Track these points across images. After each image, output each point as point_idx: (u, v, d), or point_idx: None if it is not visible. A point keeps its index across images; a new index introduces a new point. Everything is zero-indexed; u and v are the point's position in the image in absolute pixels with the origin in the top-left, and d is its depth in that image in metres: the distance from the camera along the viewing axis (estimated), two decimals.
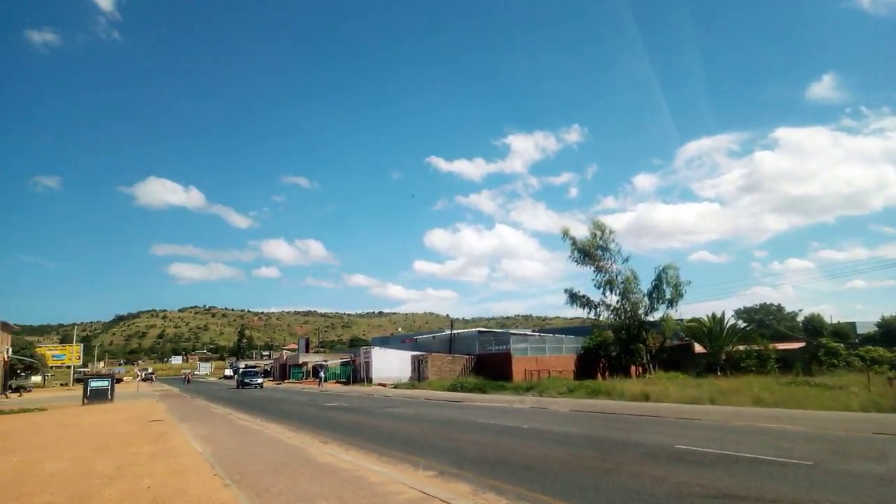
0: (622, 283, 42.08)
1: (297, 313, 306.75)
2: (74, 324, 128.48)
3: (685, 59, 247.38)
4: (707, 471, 8.53)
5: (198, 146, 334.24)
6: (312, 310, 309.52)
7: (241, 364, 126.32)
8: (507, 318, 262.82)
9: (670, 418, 16.54)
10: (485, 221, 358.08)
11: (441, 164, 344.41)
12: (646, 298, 42.32)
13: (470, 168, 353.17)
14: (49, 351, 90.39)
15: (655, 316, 42.41)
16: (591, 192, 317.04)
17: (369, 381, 55.33)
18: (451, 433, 14.21)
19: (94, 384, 34.82)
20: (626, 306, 42.53)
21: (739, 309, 75.75)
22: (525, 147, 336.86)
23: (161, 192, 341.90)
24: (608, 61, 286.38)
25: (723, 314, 44.53)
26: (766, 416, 16.14)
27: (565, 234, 43.91)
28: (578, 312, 45.32)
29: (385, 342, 79.04)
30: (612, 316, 43.37)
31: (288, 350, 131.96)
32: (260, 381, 57.57)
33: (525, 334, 59.36)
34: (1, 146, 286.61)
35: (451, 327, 63.58)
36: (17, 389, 60.42)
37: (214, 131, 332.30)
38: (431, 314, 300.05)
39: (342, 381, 62.62)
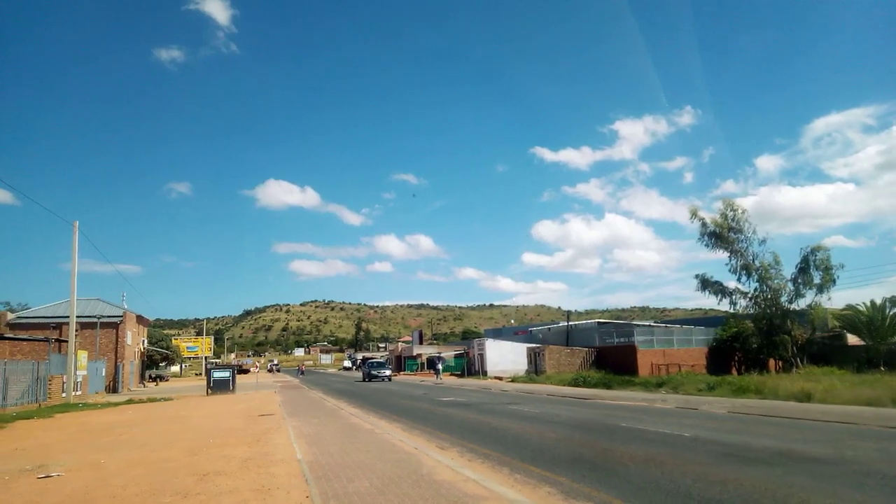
0: (760, 267, 37.37)
1: (410, 306, 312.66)
2: (207, 318, 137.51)
3: (809, 29, 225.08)
4: None
5: (312, 148, 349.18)
6: (425, 303, 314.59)
7: (359, 355, 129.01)
8: (622, 309, 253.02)
9: (873, 426, 12.99)
10: (594, 211, 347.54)
11: (546, 154, 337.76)
12: (789, 284, 37.29)
13: (576, 157, 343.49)
14: (184, 343, 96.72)
15: (801, 304, 37.28)
16: (708, 176, 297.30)
17: (484, 373, 53.58)
18: (594, 441, 11.66)
19: (217, 375, 35.38)
20: (767, 293, 37.72)
21: (894, 297, 66.71)
22: (634, 132, 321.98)
23: (280, 193, 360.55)
24: (723, 37, 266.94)
25: (884, 301, 38.85)
26: None
27: (693, 214, 39.62)
28: (709, 302, 41.47)
29: (498, 334, 77.09)
30: (749, 304, 38.75)
31: (403, 342, 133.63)
32: (388, 373, 52.50)
33: (649, 325, 55.22)
34: (138, 157, 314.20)
35: (568, 319, 60.40)
36: (155, 379, 64.54)
37: (327, 133, 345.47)
38: (543, 306, 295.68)
39: (456, 374, 61.57)
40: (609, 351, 46.02)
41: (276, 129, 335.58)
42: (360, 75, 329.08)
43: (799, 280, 36.99)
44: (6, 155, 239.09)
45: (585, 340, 52.72)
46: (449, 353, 71.38)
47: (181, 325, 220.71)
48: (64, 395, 29.11)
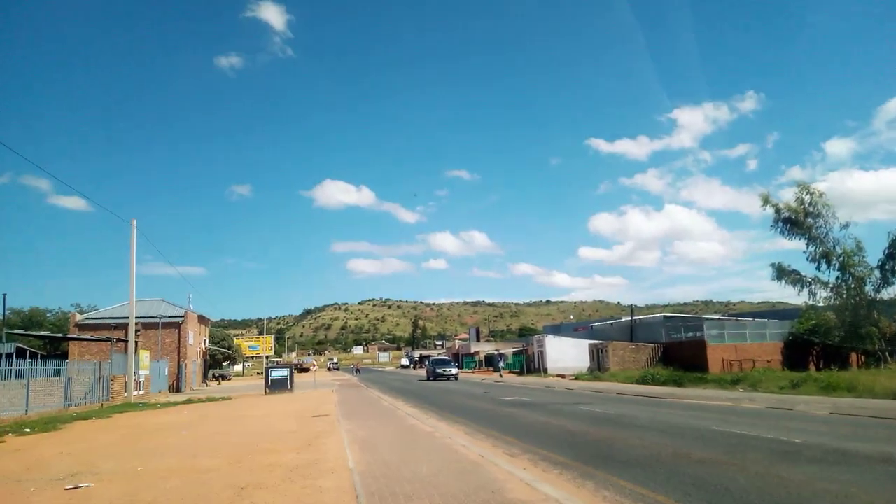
0: (841, 254, 34.34)
1: (466, 303, 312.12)
2: (268, 318, 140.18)
3: (880, 4, 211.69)
4: None
5: (366, 148, 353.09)
6: (481, 300, 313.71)
7: (416, 353, 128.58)
8: (685, 304, 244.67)
9: None
10: (653, 202, 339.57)
11: (602, 145, 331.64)
12: (876, 272, 34.13)
13: (633, 147, 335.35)
14: (246, 342, 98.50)
15: (889, 293, 34.06)
16: (773, 162, 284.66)
17: (544, 371, 51.91)
18: (689, 448, 10.05)
19: (275, 374, 35.12)
20: (850, 282, 34.66)
21: None
22: (693, 120, 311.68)
23: (336, 192, 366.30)
24: (787, 17, 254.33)
25: None
26: None
27: (765, 201, 36.81)
28: (783, 294, 38.69)
29: (556, 330, 75.03)
30: (831, 294, 35.76)
31: (460, 339, 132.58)
32: (454, 371, 47.50)
33: (718, 319, 52.36)
34: (201, 160, 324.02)
35: (632, 313, 57.83)
36: (218, 378, 65.55)
37: (381, 132, 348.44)
38: (601, 302, 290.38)
39: (515, 371, 60.30)
40: (676, 346, 43.67)
41: (332, 129, 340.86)
42: (410, 73, 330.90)
43: (886, 267, 33.89)
44: (74, 161, 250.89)
45: (651, 336, 50.52)
46: (507, 351, 69.98)
47: (244, 325, 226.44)
48: (127, 394, 29.27)
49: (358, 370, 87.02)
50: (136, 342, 35.14)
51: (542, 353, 55.37)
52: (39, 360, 25.44)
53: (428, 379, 48.28)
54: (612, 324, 64.24)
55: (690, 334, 44.67)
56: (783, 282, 37.21)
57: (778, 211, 36.15)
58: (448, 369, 47.39)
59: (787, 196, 36.46)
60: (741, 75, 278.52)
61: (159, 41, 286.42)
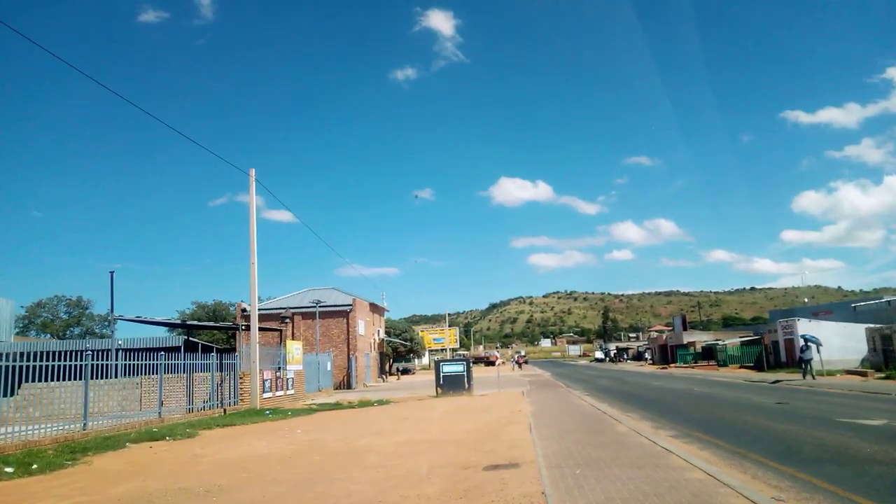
0: None
1: (657, 294, 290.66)
2: (457, 313, 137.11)
3: None
4: None
5: (540, 142, 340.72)
6: (674, 290, 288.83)
7: (611, 346, 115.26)
8: None
9: None
10: (870, 174, 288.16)
11: (801, 116, 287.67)
12: None
13: (840, 116, 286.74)
14: (430, 335, 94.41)
15: None
16: None
17: (798, 364, 38.86)
18: None
19: (447, 370, 27.23)
20: None
21: None
22: None
23: (513, 189, 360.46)
24: None
25: None
26: None
27: None
28: None
29: (789, 315, 59.99)
30: None
31: (656, 331, 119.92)
32: None
33: None
34: (389, 169, 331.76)
35: None
36: (400, 372, 60.76)
37: (554, 125, 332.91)
38: (817, 287, 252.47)
39: (748, 366, 47.73)
40: None
41: (504, 127, 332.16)
42: (578, 61, 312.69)
43: None
44: (281, 182, 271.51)
45: None
46: (733, 341, 57.59)
47: (433, 320, 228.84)
48: (267, 394, 23.16)
49: (519, 363, 74.58)
50: (282, 331, 29.49)
51: (790, 343, 42.30)
52: (187, 354, 20.23)
53: None
54: (889, 302, 48.01)
55: None
56: None
57: None
58: None
59: None
60: None
61: (339, 63, 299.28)
